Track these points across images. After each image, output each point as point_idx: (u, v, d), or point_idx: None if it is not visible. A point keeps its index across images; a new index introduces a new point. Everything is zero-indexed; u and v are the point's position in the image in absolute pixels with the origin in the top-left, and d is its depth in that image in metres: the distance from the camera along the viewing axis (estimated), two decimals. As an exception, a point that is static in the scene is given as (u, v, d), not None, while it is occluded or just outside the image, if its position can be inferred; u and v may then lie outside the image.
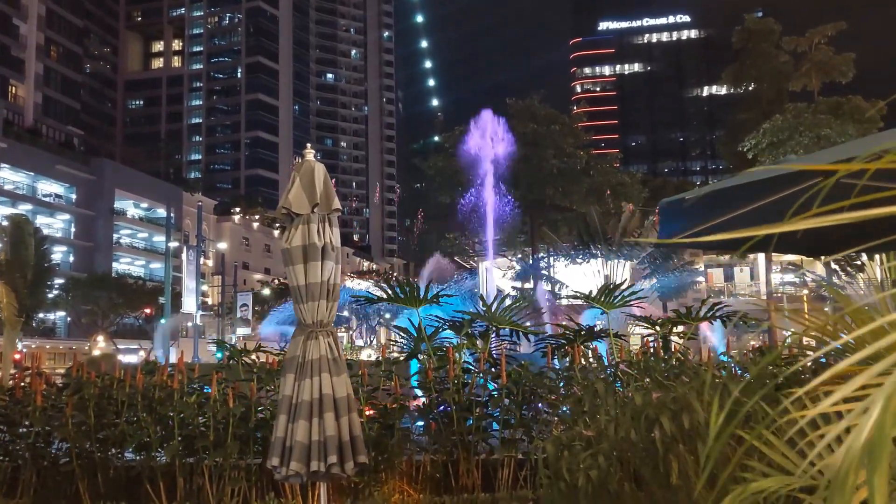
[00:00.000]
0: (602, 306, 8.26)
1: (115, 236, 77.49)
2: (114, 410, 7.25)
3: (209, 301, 73.68)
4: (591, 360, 7.07)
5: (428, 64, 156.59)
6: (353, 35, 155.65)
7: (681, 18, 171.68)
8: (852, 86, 50.56)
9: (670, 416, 3.04)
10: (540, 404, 7.07)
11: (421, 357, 7.77)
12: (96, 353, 42.49)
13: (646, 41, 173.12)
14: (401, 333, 8.42)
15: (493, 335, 8.17)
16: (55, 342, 58.77)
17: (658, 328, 8.21)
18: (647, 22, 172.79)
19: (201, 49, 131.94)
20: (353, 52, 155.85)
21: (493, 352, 8.06)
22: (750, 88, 56.95)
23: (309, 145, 5.94)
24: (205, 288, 70.70)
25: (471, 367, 7.42)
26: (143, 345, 53.82)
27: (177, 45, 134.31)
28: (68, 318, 66.23)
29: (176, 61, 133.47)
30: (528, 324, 8.80)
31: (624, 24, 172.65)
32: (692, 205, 3.72)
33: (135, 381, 7.28)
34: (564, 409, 6.03)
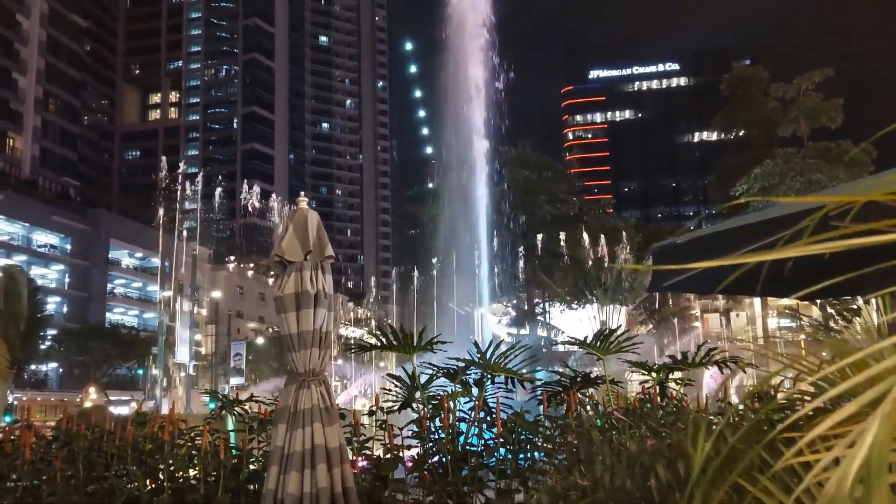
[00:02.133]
0: (597, 352, 8.21)
1: (109, 286, 77.26)
2: (103, 463, 7.13)
3: (203, 350, 73.15)
4: (587, 407, 7.00)
5: (422, 113, 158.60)
6: (347, 85, 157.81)
7: (670, 66, 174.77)
8: (842, 130, 51.23)
9: (665, 463, 3.00)
10: (536, 453, 6.96)
11: (415, 406, 7.68)
12: (87, 404, 41.92)
13: (636, 89, 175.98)
14: (394, 382, 8.33)
15: (488, 383, 8.09)
16: (46, 394, 58.05)
17: (655, 374, 8.15)
18: (637, 70, 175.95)
19: (198, 100, 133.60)
20: (348, 101, 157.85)
21: (488, 400, 7.96)
22: (740, 134, 57.65)
23: (303, 193, 5.96)
24: (198, 337, 70.23)
25: (465, 415, 7.32)
26: (135, 396, 53.18)
27: (174, 96, 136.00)
28: (60, 370, 65.58)
29: (173, 112, 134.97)
30: (523, 370, 8.72)
31: (614, 73, 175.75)
32: (683, 250, 3.73)
33: (125, 434, 7.18)
34: (560, 457, 5.94)
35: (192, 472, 6.87)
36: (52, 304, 65.46)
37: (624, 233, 50.85)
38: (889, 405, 0.94)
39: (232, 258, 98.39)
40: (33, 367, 56.73)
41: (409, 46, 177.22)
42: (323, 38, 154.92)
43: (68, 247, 73.83)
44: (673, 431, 3.46)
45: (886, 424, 0.91)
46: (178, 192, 45.41)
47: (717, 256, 3.29)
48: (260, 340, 69.54)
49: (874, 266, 1.44)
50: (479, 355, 8.08)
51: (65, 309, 71.64)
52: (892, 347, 1.13)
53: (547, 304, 50.96)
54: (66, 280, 73.67)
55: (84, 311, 71.65)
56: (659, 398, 7.46)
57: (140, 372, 60.43)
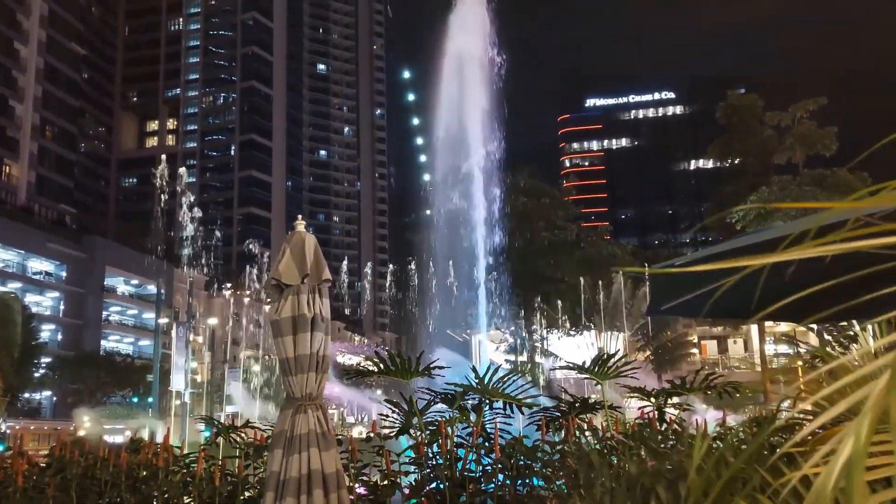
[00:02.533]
0: (596, 377, 8.17)
1: (105, 313, 76.92)
2: (97, 491, 7.04)
3: (198, 378, 72.63)
4: (585, 432, 6.95)
5: (420, 140, 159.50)
6: (345, 113, 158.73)
7: (666, 95, 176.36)
8: (838, 159, 51.48)
9: (666, 485, 2.97)
10: (535, 479, 6.89)
11: (413, 432, 7.62)
12: (81, 433, 41.54)
13: (632, 117, 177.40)
14: (392, 408, 8.27)
15: (486, 408, 8.03)
16: (40, 423, 57.45)
17: (653, 399, 8.11)
18: (633, 99, 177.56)
19: (196, 127, 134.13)
20: (346, 129, 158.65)
21: (486, 425, 7.90)
22: (736, 162, 57.82)
23: (300, 217, 5.95)
24: (194, 365, 69.82)
25: (463, 441, 7.27)
26: (129, 424, 52.65)
27: (171, 123, 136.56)
28: (54, 398, 65.02)
29: (170, 140, 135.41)
30: (522, 396, 8.66)
31: (610, 101, 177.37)
32: (681, 274, 3.73)
33: (119, 461, 7.10)
34: (559, 482, 5.88)
35: (186, 500, 6.79)
36: (46, 331, 65.09)
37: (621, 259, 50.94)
38: (871, 402, 0.94)
39: (228, 285, 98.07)
40: (27, 395, 56.23)
41: (406, 74, 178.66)
42: (321, 67, 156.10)
43: (64, 274, 73.62)
44: (673, 453, 3.43)
45: (864, 427, 0.90)
46: (175, 220, 45.44)
47: (713, 278, 3.29)
48: (255, 367, 69.08)
49: (873, 281, 1.45)
50: (476, 380, 8.04)
51: (59, 336, 71.22)
52: (882, 352, 1.13)
53: (545, 331, 50.82)
54: (61, 307, 73.36)
55: (79, 338, 71.24)
56: (658, 423, 7.42)
57: (135, 400, 59.93)
